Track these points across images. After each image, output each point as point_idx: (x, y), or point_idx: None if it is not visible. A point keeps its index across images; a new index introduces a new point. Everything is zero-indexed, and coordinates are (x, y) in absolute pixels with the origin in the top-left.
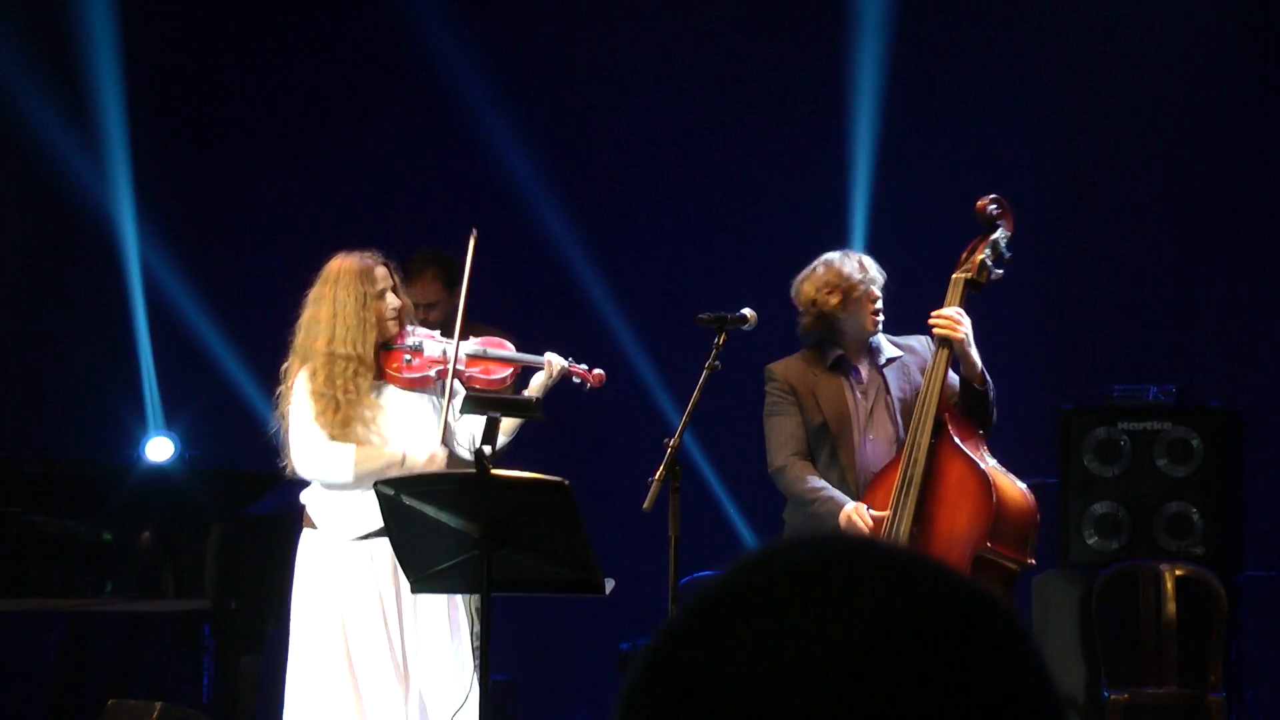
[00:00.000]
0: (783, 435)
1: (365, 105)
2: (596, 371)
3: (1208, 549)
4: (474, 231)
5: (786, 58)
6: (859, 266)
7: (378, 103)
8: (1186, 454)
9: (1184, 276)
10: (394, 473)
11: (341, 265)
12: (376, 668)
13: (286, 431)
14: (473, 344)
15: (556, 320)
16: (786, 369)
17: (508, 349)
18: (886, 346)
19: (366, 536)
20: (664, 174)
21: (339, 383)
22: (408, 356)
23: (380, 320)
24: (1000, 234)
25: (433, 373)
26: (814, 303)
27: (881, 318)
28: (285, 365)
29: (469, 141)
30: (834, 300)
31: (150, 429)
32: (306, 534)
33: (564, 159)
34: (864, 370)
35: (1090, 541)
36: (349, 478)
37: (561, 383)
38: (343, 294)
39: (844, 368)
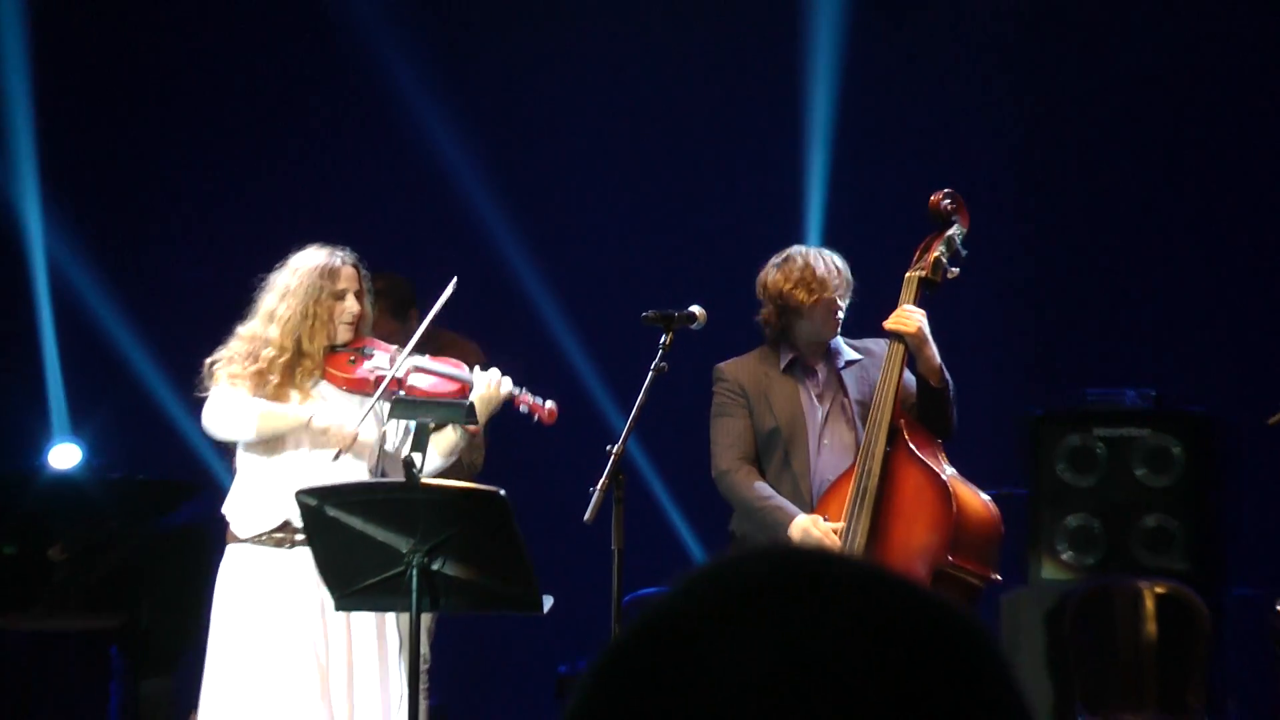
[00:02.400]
0: (729, 437)
1: (291, 91)
2: (549, 405)
3: (1189, 564)
4: (454, 279)
5: (738, 47)
6: (834, 271)
7: (304, 90)
8: (1166, 463)
9: (1163, 271)
10: (300, 435)
11: (306, 256)
12: (298, 692)
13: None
14: (425, 357)
15: (492, 319)
16: (738, 369)
17: (460, 368)
18: (845, 349)
19: (281, 536)
20: (607, 165)
21: (276, 370)
22: (351, 358)
23: (332, 319)
24: (955, 230)
25: (371, 377)
26: (780, 295)
27: (839, 325)
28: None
29: (401, 131)
30: (799, 297)
31: (55, 434)
32: (230, 550)
33: (501, 149)
34: (820, 373)
35: (1063, 557)
36: (250, 432)
37: (507, 408)
38: (298, 284)
39: (799, 370)
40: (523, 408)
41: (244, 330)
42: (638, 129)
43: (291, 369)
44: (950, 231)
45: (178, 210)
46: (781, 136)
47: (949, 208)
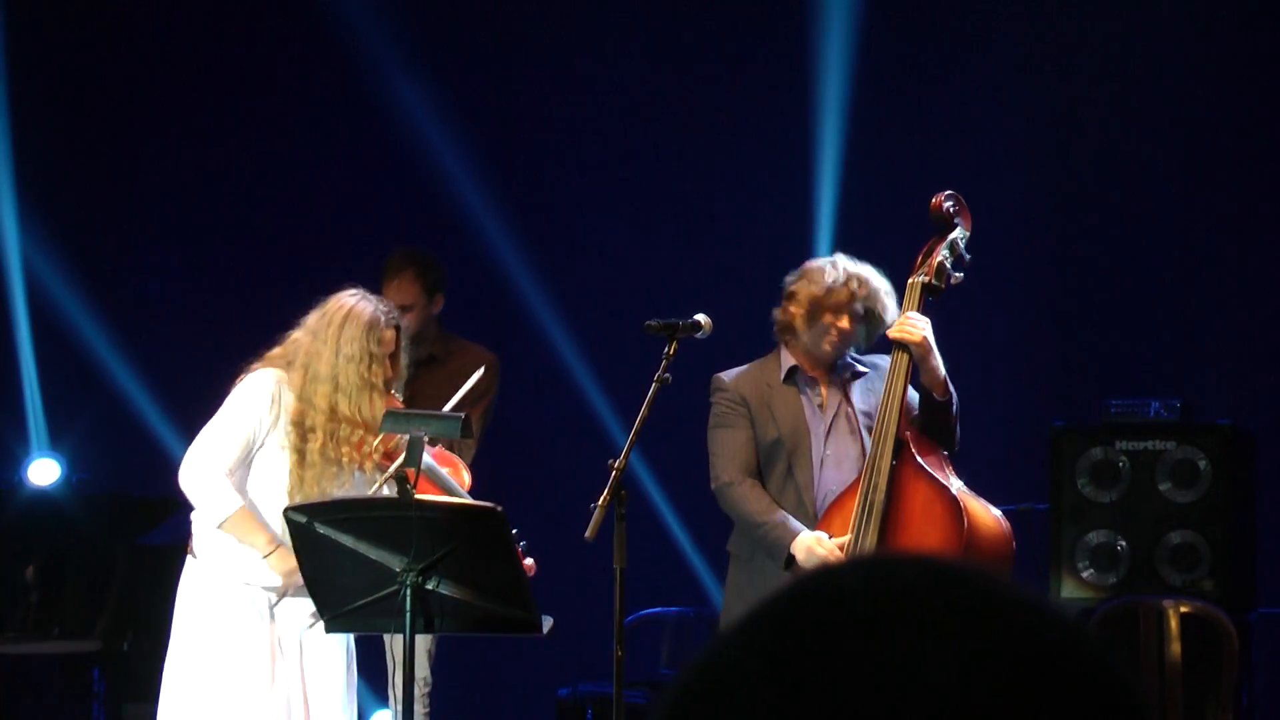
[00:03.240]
0: (730, 449)
1: (276, 91)
2: (528, 562)
3: (1216, 583)
4: (482, 369)
5: (747, 46)
6: (855, 281)
7: (289, 96)
8: (1192, 477)
9: (1188, 279)
10: (252, 556)
11: (355, 310)
12: (258, 712)
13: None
14: (427, 457)
15: (492, 327)
16: (738, 379)
17: (458, 481)
18: (852, 360)
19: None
20: (611, 170)
21: (344, 449)
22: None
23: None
24: (959, 233)
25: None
26: (794, 296)
27: (836, 349)
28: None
29: (393, 133)
30: (798, 309)
31: (33, 450)
32: (190, 564)
33: (500, 153)
34: (824, 383)
35: (1085, 574)
36: (214, 522)
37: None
38: (348, 345)
39: (800, 379)
40: None
41: (290, 373)
42: (642, 133)
43: (363, 446)
44: (953, 235)
45: (157, 222)
46: (791, 140)
47: (951, 210)
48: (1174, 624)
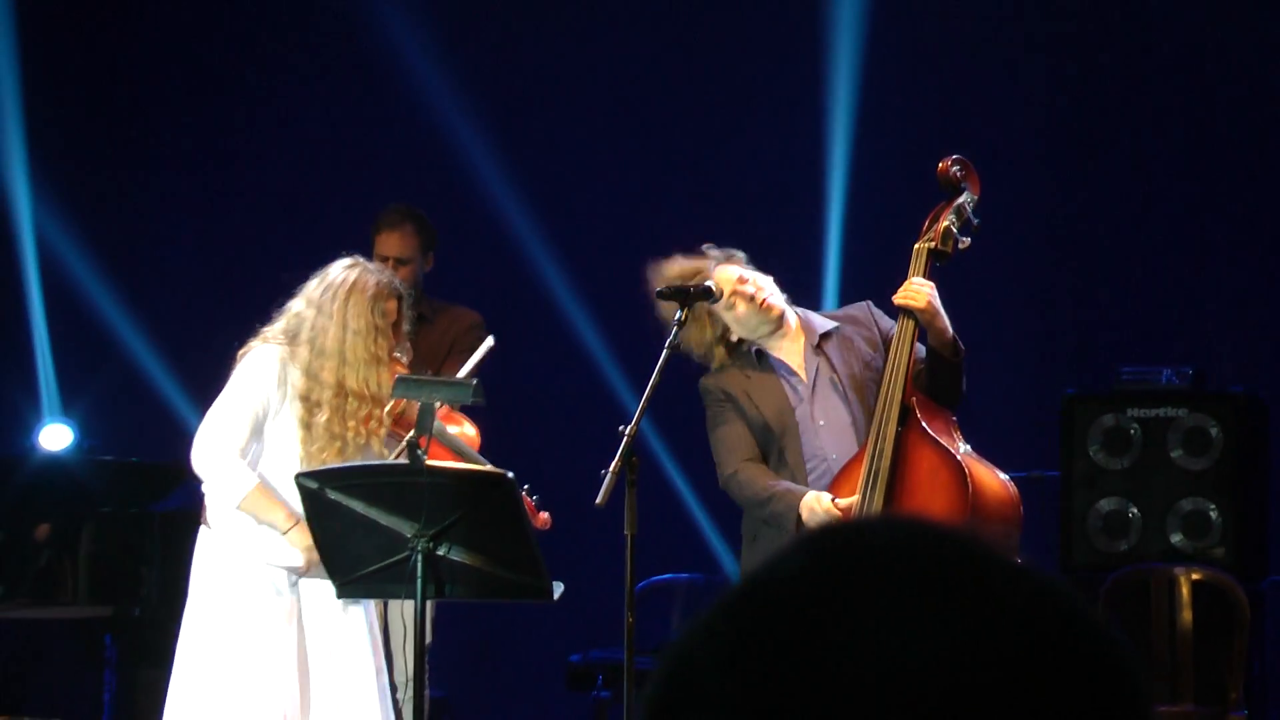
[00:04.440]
0: (728, 443)
1: (288, 60)
2: (543, 515)
3: (1227, 551)
4: (490, 338)
5: (758, 11)
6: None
7: (302, 58)
8: (1204, 444)
9: (1201, 246)
10: (272, 533)
11: (358, 281)
12: (276, 686)
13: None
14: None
15: (500, 295)
16: (719, 379)
17: (468, 441)
18: (819, 321)
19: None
20: (620, 136)
21: (351, 423)
22: None
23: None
24: (966, 198)
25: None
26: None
27: (774, 300)
28: (256, 341)
29: (404, 102)
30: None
31: (45, 415)
32: (204, 534)
33: (510, 120)
34: (796, 356)
35: (1096, 542)
36: (229, 505)
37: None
38: (354, 320)
39: (767, 361)
40: None
41: (294, 347)
42: (651, 99)
43: (371, 420)
44: (960, 200)
45: (169, 188)
46: (802, 107)
47: (958, 175)
48: (1185, 592)
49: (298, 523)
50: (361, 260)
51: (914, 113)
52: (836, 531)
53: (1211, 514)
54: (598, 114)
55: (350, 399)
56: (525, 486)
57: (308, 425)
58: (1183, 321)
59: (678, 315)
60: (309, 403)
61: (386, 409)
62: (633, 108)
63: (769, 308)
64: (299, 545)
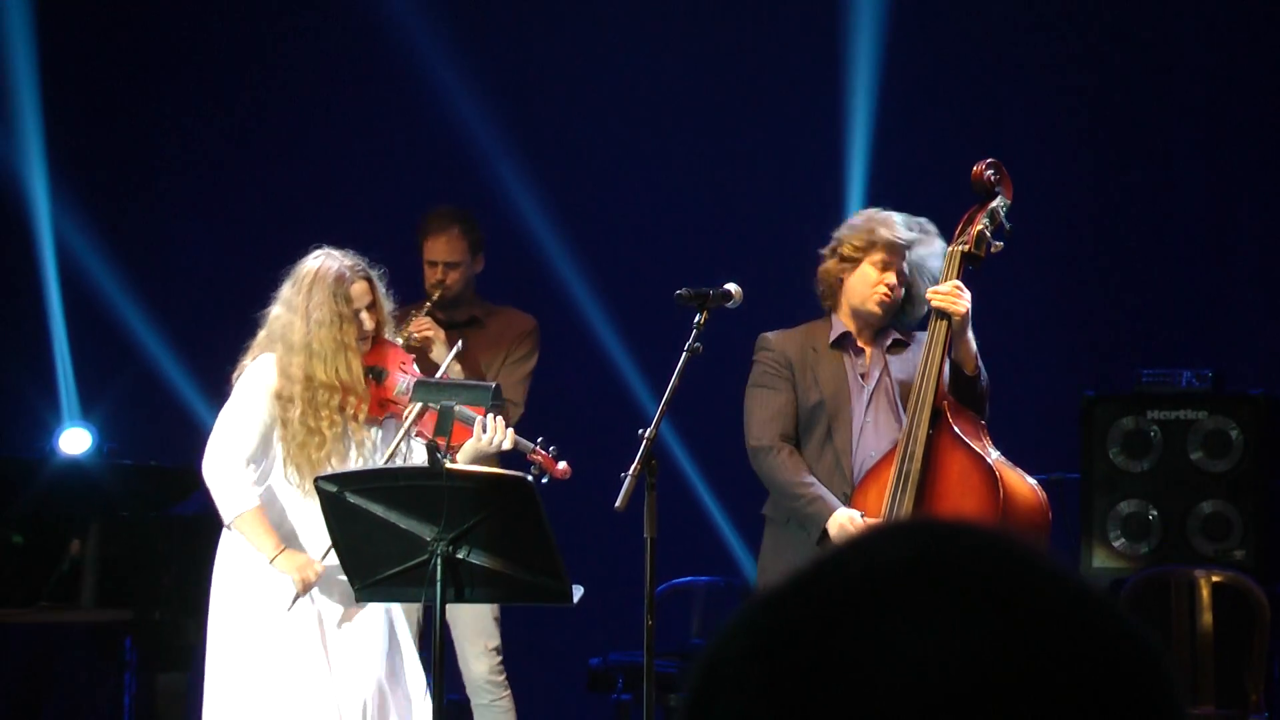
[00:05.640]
0: (768, 411)
1: (306, 61)
2: (562, 465)
3: (1248, 553)
4: (460, 343)
5: (778, 12)
6: (896, 229)
7: (320, 59)
8: (1224, 446)
9: (1221, 248)
10: (258, 558)
11: (319, 272)
12: (304, 687)
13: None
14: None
15: (520, 297)
16: (784, 340)
17: (479, 411)
18: (892, 332)
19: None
20: (640, 137)
21: (324, 414)
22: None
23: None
24: (999, 202)
25: (380, 402)
26: (836, 249)
27: (893, 300)
28: (247, 357)
29: (424, 102)
30: (843, 259)
31: (65, 419)
32: (226, 536)
33: (527, 120)
34: (868, 350)
35: (1116, 544)
36: (227, 518)
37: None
38: (316, 308)
39: (847, 346)
40: (532, 467)
41: (272, 350)
42: (671, 98)
43: (344, 409)
44: (994, 204)
45: (189, 191)
46: (822, 108)
47: (992, 179)
48: (1205, 594)
49: (283, 551)
50: (326, 249)
51: (934, 115)
52: (870, 534)
53: (1232, 516)
54: (617, 116)
55: (320, 390)
56: (540, 439)
57: (284, 422)
58: (1203, 324)
59: (696, 319)
60: (282, 400)
61: (361, 391)
62: (654, 111)
63: (885, 299)
64: (287, 570)
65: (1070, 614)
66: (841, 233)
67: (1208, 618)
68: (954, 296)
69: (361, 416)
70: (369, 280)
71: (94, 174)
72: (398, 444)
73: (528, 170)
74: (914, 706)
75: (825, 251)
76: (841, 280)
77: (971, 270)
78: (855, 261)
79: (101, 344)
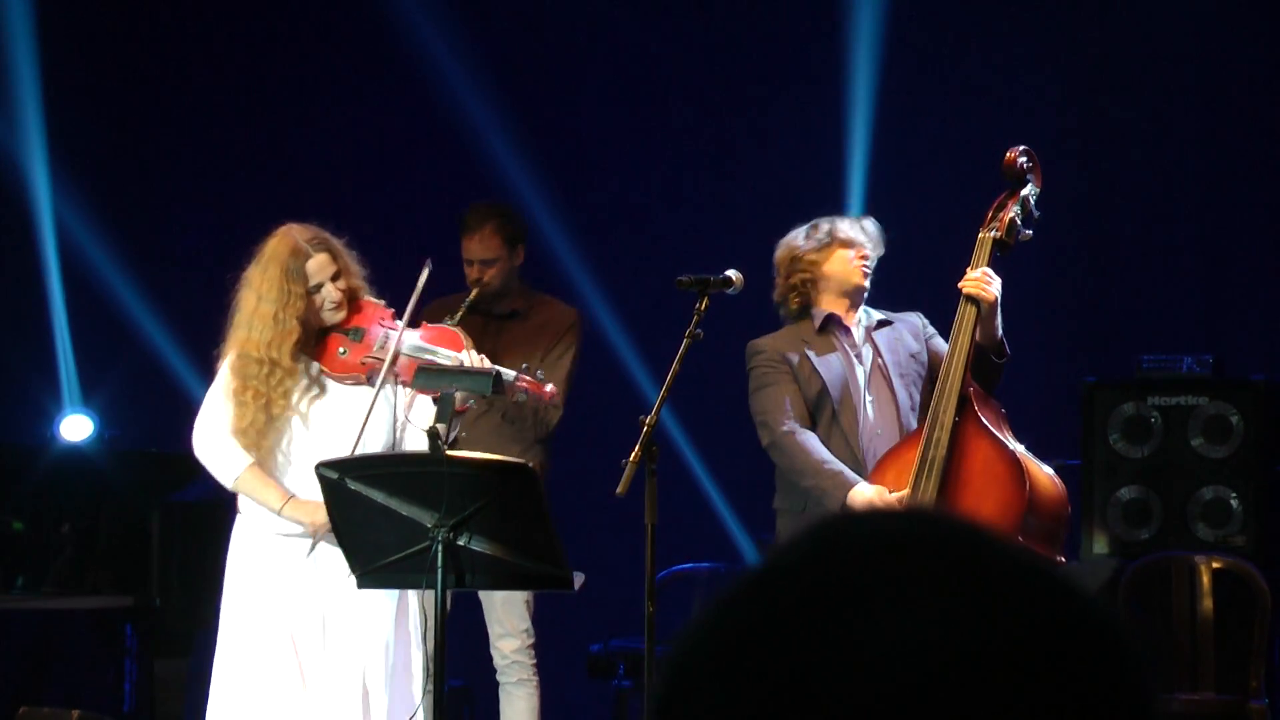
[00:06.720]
0: (780, 403)
1: (307, 49)
2: (549, 388)
3: (1248, 539)
4: (428, 261)
5: (777, 10)
6: (857, 227)
7: (320, 46)
8: (1224, 432)
9: (1221, 234)
10: (266, 511)
11: (275, 249)
12: (311, 670)
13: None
14: (417, 337)
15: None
16: (775, 341)
17: (456, 349)
18: (872, 312)
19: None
20: (641, 123)
21: (253, 385)
22: (342, 348)
23: (312, 317)
24: (1030, 190)
25: (365, 362)
26: (796, 259)
27: (867, 277)
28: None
29: (426, 90)
30: (813, 257)
31: (66, 406)
32: (239, 521)
33: (526, 105)
34: (855, 331)
35: (1117, 530)
36: (227, 484)
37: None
38: (267, 287)
39: (834, 327)
40: (519, 396)
41: (230, 332)
42: (673, 86)
43: (271, 381)
44: (1025, 191)
45: (189, 175)
46: (823, 92)
47: (1025, 166)
48: (1206, 580)
49: (290, 499)
50: (285, 227)
51: (932, 104)
52: (845, 520)
53: (1232, 502)
54: (619, 104)
55: (251, 363)
56: (525, 365)
57: (229, 395)
58: (1203, 310)
59: (697, 305)
60: (224, 374)
61: (287, 367)
62: (656, 98)
63: (865, 268)
64: (298, 518)
65: (1037, 598)
66: (797, 252)
67: (1208, 603)
68: (984, 283)
69: (290, 383)
70: (329, 251)
71: (94, 161)
72: (376, 396)
73: (529, 157)
74: (890, 694)
75: (780, 273)
76: (820, 269)
77: (999, 256)
78: (827, 251)
79: (102, 331)
